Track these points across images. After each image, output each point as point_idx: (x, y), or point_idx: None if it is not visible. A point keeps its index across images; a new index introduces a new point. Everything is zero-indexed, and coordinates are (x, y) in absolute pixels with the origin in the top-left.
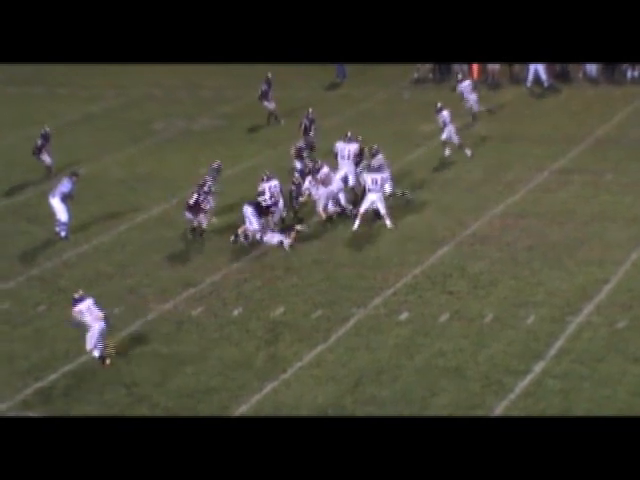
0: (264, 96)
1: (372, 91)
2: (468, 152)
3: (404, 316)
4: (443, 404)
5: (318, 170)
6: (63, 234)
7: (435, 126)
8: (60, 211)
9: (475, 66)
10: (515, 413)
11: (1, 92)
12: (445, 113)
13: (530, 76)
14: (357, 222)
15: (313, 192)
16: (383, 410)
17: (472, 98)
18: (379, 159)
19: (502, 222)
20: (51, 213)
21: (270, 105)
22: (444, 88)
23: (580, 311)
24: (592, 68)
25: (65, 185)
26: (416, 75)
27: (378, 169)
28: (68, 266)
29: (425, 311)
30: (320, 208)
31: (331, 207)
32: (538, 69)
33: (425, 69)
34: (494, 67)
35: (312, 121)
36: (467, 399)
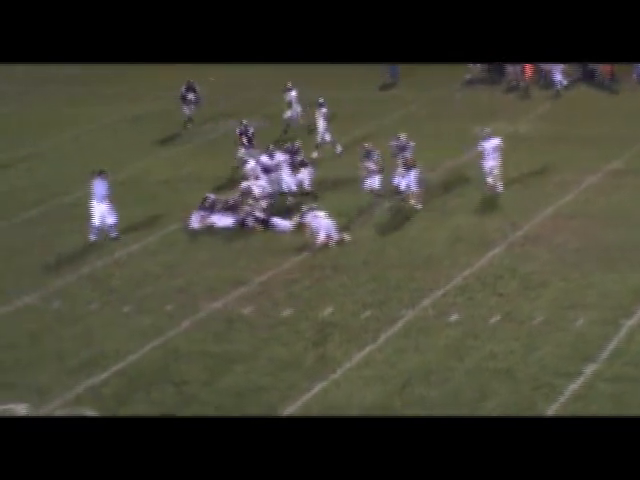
0: (183, 100)
1: (423, 92)
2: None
3: (454, 318)
4: (493, 406)
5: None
6: (114, 235)
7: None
8: (107, 214)
9: (528, 65)
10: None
11: (47, 92)
12: (323, 110)
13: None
14: (499, 186)
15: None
16: (432, 412)
17: (297, 110)
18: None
19: (553, 223)
20: (90, 216)
21: (187, 110)
22: (497, 89)
23: (634, 313)
24: None
25: (102, 186)
26: (468, 76)
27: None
28: (119, 265)
29: (475, 313)
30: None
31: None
32: (554, 71)
33: (477, 70)
34: (547, 67)
35: (244, 132)
36: (517, 402)
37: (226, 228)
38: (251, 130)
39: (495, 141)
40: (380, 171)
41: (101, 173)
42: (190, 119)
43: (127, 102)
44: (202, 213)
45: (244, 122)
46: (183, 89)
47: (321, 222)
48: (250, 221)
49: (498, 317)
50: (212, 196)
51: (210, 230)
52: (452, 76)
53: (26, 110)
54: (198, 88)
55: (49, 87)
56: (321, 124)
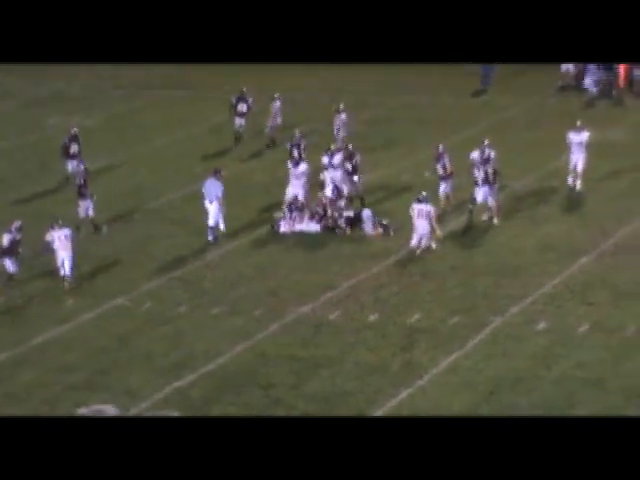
0: (233, 110)
1: (515, 98)
2: None
3: (542, 326)
4: (582, 416)
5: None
6: (210, 238)
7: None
8: (214, 215)
9: (622, 73)
10: None
11: (148, 95)
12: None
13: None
14: (579, 185)
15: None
16: None
17: (277, 121)
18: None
19: None
20: (201, 214)
21: (238, 121)
22: (589, 96)
23: None
24: None
25: (218, 186)
26: (560, 82)
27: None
28: (210, 267)
29: (564, 321)
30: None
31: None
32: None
33: (569, 76)
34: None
35: (295, 145)
36: (607, 411)
37: (313, 233)
38: (303, 144)
39: (584, 135)
40: (448, 176)
41: (216, 172)
42: (238, 132)
43: (227, 104)
44: (290, 218)
45: (297, 134)
46: (234, 99)
47: (420, 224)
48: (342, 222)
49: (587, 326)
50: (299, 201)
51: (298, 234)
52: (544, 83)
53: (130, 114)
54: (250, 99)
55: (153, 91)
56: (340, 131)
